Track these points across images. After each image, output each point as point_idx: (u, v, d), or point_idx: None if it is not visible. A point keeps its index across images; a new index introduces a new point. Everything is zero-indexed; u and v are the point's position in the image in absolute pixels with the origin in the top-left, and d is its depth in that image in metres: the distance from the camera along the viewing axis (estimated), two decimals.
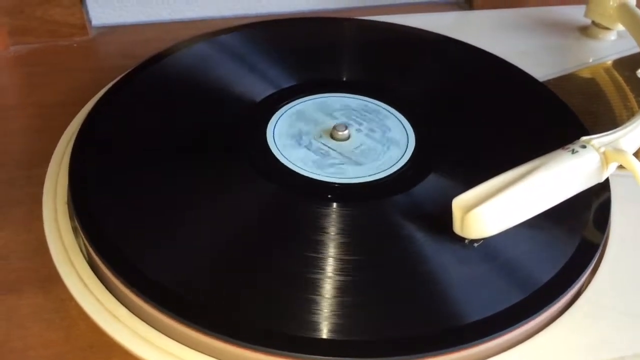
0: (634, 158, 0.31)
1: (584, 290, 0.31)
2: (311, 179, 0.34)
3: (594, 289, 0.31)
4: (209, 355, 0.28)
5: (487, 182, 0.30)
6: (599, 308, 0.30)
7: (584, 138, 0.32)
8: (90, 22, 0.53)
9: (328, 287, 0.29)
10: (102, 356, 0.29)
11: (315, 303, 0.28)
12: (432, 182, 0.34)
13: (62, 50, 0.50)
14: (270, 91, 0.41)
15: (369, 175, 0.35)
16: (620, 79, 0.47)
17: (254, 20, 0.48)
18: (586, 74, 0.48)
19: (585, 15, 0.52)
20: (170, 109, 0.39)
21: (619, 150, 0.32)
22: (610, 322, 0.30)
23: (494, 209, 0.29)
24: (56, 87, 0.46)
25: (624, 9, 0.48)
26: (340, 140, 0.37)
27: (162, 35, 0.53)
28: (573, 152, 0.31)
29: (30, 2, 0.49)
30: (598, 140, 0.32)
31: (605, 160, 0.32)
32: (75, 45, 0.51)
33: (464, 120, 0.40)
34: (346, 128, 0.37)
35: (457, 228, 0.30)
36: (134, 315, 0.29)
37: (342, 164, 0.35)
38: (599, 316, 0.30)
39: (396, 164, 0.36)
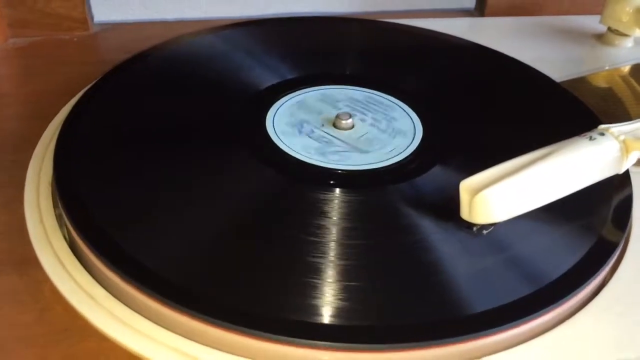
0: None
1: (604, 286, 0.29)
2: (312, 165, 0.32)
3: (616, 286, 0.29)
4: (191, 339, 0.25)
5: (498, 165, 0.28)
6: (622, 305, 0.28)
7: (602, 126, 0.30)
8: (92, 17, 0.52)
9: (329, 271, 0.27)
10: (75, 340, 0.27)
11: (315, 287, 0.26)
12: (439, 171, 0.32)
13: (62, 44, 0.49)
14: (272, 81, 0.39)
15: (374, 163, 0.33)
16: (636, 84, 0.45)
17: None
18: (601, 78, 0.46)
19: (601, 21, 0.50)
20: (167, 96, 0.38)
21: None
22: (634, 320, 0.27)
23: (503, 191, 0.27)
24: (52, 78, 0.44)
25: None
26: (344, 129, 0.35)
27: (165, 33, 0.51)
28: (591, 138, 0.29)
29: None
30: (618, 129, 0.30)
31: (625, 149, 0.30)
32: (75, 39, 0.50)
33: (473, 112, 0.38)
34: (350, 117, 0.35)
35: (465, 213, 0.27)
36: (111, 296, 0.27)
37: (346, 151, 0.34)
38: (622, 314, 0.27)
39: (402, 153, 0.34)
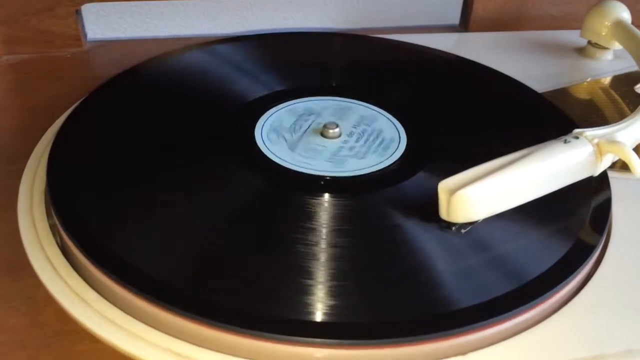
0: (629, 149, 0.30)
1: (585, 285, 0.30)
2: (301, 172, 0.33)
3: (597, 285, 0.30)
4: (183, 340, 0.26)
5: (475, 167, 0.29)
6: (603, 302, 0.29)
7: (577, 130, 0.32)
8: (85, 35, 0.53)
9: (319, 271, 0.28)
10: (67, 343, 0.27)
11: (306, 286, 0.27)
12: (423, 176, 0.33)
13: (55, 60, 0.50)
14: (260, 93, 0.40)
15: (361, 169, 0.34)
16: (616, 94, 0.47)
17: None
18: (583, 89, 0.47)
19: (581, 35, 0.51)
20: (157, 109, 0.39)
21: (613, 142, 0.31)
22: (613, 317, 0.28)
23: (480, 191, 0.28)
24: (45, 92, 0.45)
25: (619, 26, 0.48)
26: (331, 137, 0.36)
27: (157, 50, 0.52)
28: (565, 142, 0.31)
29: (25, 11, 0.49)
30: (592, 133, 0.31)
31: (599, 151, 0.31)
32: (68, 56, 0.51)
33: (456, 121, 0.39)
34: (337, 126, 0.37)
35: (444, 212, 0.28)
36: (103, 299, 0.28)
37: (334, 159, 0.35)
38: (604, 310, 0.28)
39: (387, 160, 0.35)
